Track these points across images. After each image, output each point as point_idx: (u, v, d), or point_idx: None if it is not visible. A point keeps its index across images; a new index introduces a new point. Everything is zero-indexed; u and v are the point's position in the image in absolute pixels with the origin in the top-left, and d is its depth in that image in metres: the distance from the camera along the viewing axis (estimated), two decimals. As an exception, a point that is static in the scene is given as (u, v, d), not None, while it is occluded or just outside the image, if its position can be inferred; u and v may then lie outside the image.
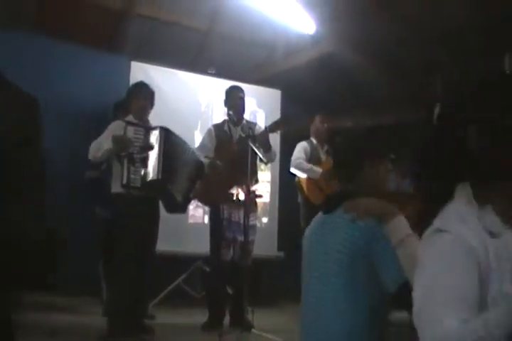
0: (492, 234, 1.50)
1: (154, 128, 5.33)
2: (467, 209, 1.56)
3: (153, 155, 5.21)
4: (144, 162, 5.19)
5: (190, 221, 7.48)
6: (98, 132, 5.34)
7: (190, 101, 7.82)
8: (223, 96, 6.10)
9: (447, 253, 1.49)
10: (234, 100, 5.97)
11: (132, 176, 5.10)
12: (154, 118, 5.66)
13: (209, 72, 8.03)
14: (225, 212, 5.71)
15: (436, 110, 5.11)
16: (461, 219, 1.54)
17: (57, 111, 7.19)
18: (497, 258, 1.46)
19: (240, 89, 6.06)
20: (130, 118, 5.39)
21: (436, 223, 1.55)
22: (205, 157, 5.72)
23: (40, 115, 4.67)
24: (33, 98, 3.74)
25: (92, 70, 7.67)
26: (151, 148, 5.20)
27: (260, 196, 5.96)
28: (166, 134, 5.30)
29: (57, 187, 6.99)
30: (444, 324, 1.35)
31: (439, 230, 1.53)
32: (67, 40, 7.48)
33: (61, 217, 6.21)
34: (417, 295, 1.49)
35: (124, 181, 5.07)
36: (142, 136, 5.25)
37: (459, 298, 1.39)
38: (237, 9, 8.29)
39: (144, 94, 5.49)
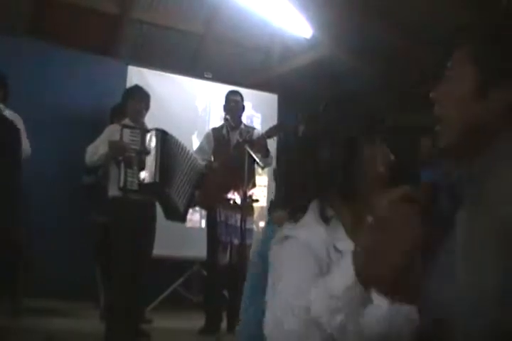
0: (336, 249, 1.56)
1: (150, 130, 5.35)
2: (316, 222, 1.62)
3: (150, 158, 5.21)
4: (141, 164, 5.19)
5: (188, 225, 7.47)
6: (96, 136, 5.35)
7: (187, 106, 7.83)
8: (222, 101, 6.15)
9: (293, 255, 1.55)
10: (230, 104, 6.01)
11: (129, 179, 5.10)
12: (151, 122, 5.66)
13: (205, 76, 8.04)
14: (222, 215, 5.72)
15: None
16: (308, 228, 1.60)
17: (54, 115, 7.22)
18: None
19: (235, 94, 6.10)
20: (126, 121, 5.40)
21: (285, 231, 1.60)
22: (203, 160, 5.74)
23: (20, 139, 4.81)
24: (15, 127, 3.88)
25: (89, 75, 7.67)
26: (148, 150, 5.20)
27: (257, 200, 5.96)
28: (163, 136, 5.32)
29: (55, 191, 7.02)
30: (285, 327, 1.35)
31: (286, 237, 1.59)
32: (64, 45, 7.49)
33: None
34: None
35: (121, 184, 5.07)
36: (139, 139, 5.25)
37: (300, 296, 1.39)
38: (233, 13, 8.32)
39: (139, 97, 5.50)
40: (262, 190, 7.93)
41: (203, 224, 6.94)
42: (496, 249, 1.13)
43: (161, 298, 7.03)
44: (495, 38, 1.31)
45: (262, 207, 7.91)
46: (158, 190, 5.25)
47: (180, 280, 7.26)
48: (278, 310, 1.41)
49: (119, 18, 8.22)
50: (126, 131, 5.22)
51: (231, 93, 6.15)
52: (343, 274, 1.22)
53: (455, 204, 1.33)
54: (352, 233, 1.59)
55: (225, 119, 5.98)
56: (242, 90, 6.56)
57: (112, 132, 5.24)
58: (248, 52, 9.17)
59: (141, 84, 5.98)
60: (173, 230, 6.87)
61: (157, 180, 5.10)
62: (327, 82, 8.11)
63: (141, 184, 5.12)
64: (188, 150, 5.58)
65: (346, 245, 1.54)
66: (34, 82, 7.25)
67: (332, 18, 7.60)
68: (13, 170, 4.51)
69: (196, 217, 7.48)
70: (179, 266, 7.27)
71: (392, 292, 1.15)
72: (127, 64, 7.53)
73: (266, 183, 8.08)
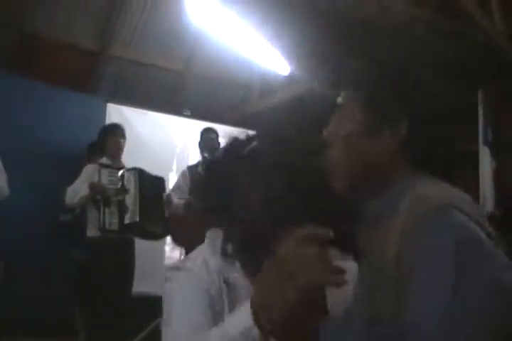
0: (226, 281, 1.58)
1: (128, 169, 5.36)
2: (209, 253, 1.66)
3: (129, 197, 5.23)
4: (121, 204, 5.21)
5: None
6: (73, 172, 5.35)
7: (165, 143, 7.84)
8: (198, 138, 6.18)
9: (182, 288, 1.58)
10: (206, 142, 6.03)
11: (108, 220, 5.12)
12: (130, 159, 5.69)
13: (184, 113, 8.07)
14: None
15: None
16: (202, 259, 1.64)
17: (31, 152, 7.18)
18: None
19: (211, 131, 6.12)
20: (104, 160, 5.42)
21: (177, 262, 1.65)
22: (180, 198, 5.75)
23: None
24: None
25: (68, 112, 7.65)
26: (127, 190, 5.22)
27: (236, 237, 5.94)
28: (141, 175, 5.33)
29: (33, 229, 6.97)
30: None
31: (176, 268, 1.65)
32: (43, 80, 7.48)
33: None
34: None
35: (101, 225, 5.08)
36: (117, 179, 5.27)
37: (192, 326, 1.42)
38: (212, 50, 8.38)
39: (119, 133, 5.55)
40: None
41: (183, 261, 6.91)
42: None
43: (140, 336, 6.96)
44: (385, 83, 1.32)
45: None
46: (139, 228, 5.26)
47: (159, 319, 7.18)
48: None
49: (98, 55, 8.27)
50: (105, 172, 5.24)
51: (206, 130, 6.17)
52: (242, 315, 1.21)
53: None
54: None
55: (203, 157, 5.99)
56: (222, 127, 6.59)
57: (90, 172, 5.26)
58: (227, 88, 9.22)
59: (120, 121, 6.03)
60: (153, 267, 6.84)
61: (137, 219, 5.12)
62: (307, 117, 8.15)
63: (122, 224, 5.13)
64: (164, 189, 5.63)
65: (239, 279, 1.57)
66: (11, 117, 7.21)
67: (308, 54, 7.67)
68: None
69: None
70: (158, 303, 7.19)
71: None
72: (106, 101, 7.54)
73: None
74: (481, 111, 6.16)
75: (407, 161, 1.28)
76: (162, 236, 5.74)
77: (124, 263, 5.26)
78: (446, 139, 1.34)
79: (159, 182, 5.71)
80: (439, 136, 1.31)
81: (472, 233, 1.10)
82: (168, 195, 5.75)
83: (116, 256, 5.14)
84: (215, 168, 1.75)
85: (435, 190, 1.20)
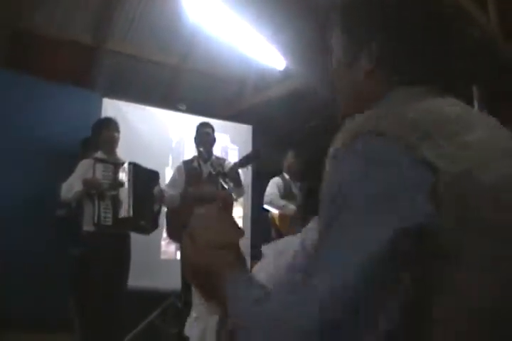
0: None
1: (123, 163, 5.38)
2: None
3: (124, 192, 5.25)
4: (115, 199, 5.23)
5: (163, 257, 7.46)
6: (69, 168, 5.36)
7: (161, 138, 7.85)
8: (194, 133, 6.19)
9: None
10: (201, 136, 6.03)
11: (103, 214, 5.13)
12: (126, 154, 5.70)
13: (180, 108, 8.08)
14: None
15: None
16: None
17: (27, 148, 7.18)
18: None
19: (206, 125, 6.13)
20: (99, 154, 5.44)
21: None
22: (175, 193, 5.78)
23: None
24: None
25: (63, 107, 7.65)
26: (121, 184, 5.23)
27: (229, 231, 5.96)
28: (135, 169, 5.35)
29: (27, 223, 6.98)
30: None
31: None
32: (38, 76, 7.48)
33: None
34: None
35: (95, 220, 5.09)
36: (111, 173, 5.30)
37: None
38: (207, 45, 8.39)
39: (113, 127, 5.56)
40: (237, 221, 7.94)
41: (179, 256, 6.94)
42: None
43: (136, 330, 6.99)
44: (361, 6, 1.25)
45: (237, 238, 7.91)
46: (133, 223, 5.28)
47: (156, 312, 7.22)
48: None
49: (94, 50, 8.26)
50: (99, 166, 5.26)
51: (202, 125, 6.18)
52: None
53: None
54: None
55: (199, 151, 6.00)
56: (219, 122, 6.62)
57: (85, 168, 5.28)
58: (223, 83, 9.24)
59: (115, 116, 6.03)
60: (149, 262, 6.87)
61: (131, 214, 5.14)
62: (301, 112, 8.18)
63: (116, 219, 5.15)
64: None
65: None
66: (8, 113, 7.22)
67: (304, 49, 7.68)
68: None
69: (171, 249, 7.47)
70: (155, 298, 7.23)
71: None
72: (102, 96, 7.54)
73: (241, 214, 8.10)
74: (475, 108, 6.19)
75: (394, 83, 1.18)
76: (152, 230, 5.77)
77: (120, 258, 5.29)
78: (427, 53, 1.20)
79: (153, 175, 5.74)
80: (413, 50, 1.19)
81: (367, 171, 0.93)
82: (160, 190, 5.77)
83: (112, 251, 5.17)
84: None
85: (382, 112, 1.04)
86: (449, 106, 1.05)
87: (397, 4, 1.19)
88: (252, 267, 1.70)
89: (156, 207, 5.65)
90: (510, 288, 0.88)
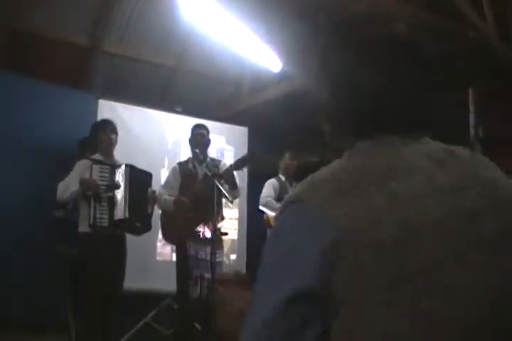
0: None
1: (120, 165, 5.39)
2: None
3: (120, 193, 5.26)
4: (111, 201, 5.24)
5: (158, 258, 7.47)
6: (65, 169, 5.37)
7: (157, 139, 7.85)
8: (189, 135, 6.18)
9: None
10: (196, 138, 6.01)
11: (99, 216, 5.15)
12: (122, 155, 5.70)
13: (176, 109, 8.08)
14: (192, 249, 5.72)
15: None
16: None
17: (23, 148, 7.17)
18: None
19: (201, 127, 6.10)
20: (96, 156, 5.44)
21: None
22: (170, 195, 5.77)
23: None
24: None
25: (59, 108, 7.64)
26: (117, 186, 5.24)
27: (226, 234, 5.97)
28: (132, 172, 5.36)
29: (23, 224, 6.97)
30: None
31: None
32: (34, 77, 7.47)
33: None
34: None
35: (91, 221, 5.11)
36: (108, 175, 5.31)
37: None
38: (204, 46, 8.40)
39: (110, 129, 5.56)
40: (233, 222, 7.96)
41: (174, 257, 6.94)
42: None
43: (132, 331, 6.98)
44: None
45: (233, 240, 7.93)
46: (128, 225, 5.30)
47: (152, 313, 7.22)
48: None
49: (90, 51, 8.27)
50: (96, 167, 5.27)
51: (196, 127, 6.15)
52: None
53: None
54: None
55: (194, 153, 5.99)
56: (215, 124, 6.60)
57: (82, 168, 5.28)
58: (219, 84, 9.25)
59: (112, 117, 6.04)
60: (145, 263, 6.87)
61: (127, 216, 5.15)
62: (297, 114, 8.20)
63: (112, 220, 5.16)
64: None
65: None
66: (6, 114, 7.21)
67: (299, 50, 7.69)
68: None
69: (167, 250, 7.46)
70: (150, 299, 7.23)
71: None
72: (98, 97, 7.52)
73: (237, 216, 8.10)
74: (472, 110, 6.19)
75: (353, 134, 1.20)
76: (144, 232, 5.79)
77: (116, 259, 5.29)
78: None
79: (148, 177, 5.76)
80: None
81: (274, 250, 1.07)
82: (153, 191, 5.78)
83: (108, 252, 5.17)
84: None
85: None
86: (372, 164, 1.09)
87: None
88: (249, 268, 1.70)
89: (149, 209, 5.67)
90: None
